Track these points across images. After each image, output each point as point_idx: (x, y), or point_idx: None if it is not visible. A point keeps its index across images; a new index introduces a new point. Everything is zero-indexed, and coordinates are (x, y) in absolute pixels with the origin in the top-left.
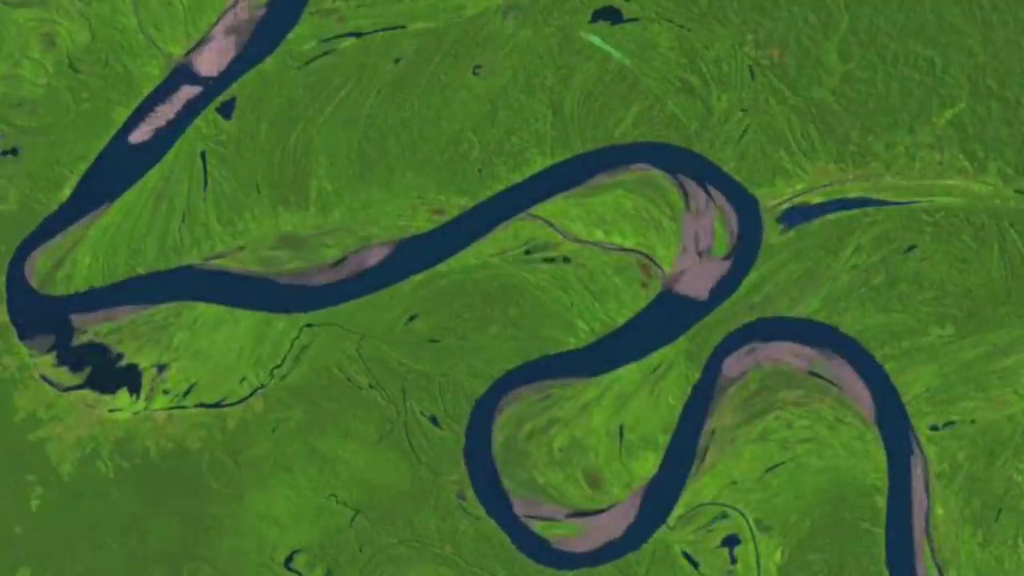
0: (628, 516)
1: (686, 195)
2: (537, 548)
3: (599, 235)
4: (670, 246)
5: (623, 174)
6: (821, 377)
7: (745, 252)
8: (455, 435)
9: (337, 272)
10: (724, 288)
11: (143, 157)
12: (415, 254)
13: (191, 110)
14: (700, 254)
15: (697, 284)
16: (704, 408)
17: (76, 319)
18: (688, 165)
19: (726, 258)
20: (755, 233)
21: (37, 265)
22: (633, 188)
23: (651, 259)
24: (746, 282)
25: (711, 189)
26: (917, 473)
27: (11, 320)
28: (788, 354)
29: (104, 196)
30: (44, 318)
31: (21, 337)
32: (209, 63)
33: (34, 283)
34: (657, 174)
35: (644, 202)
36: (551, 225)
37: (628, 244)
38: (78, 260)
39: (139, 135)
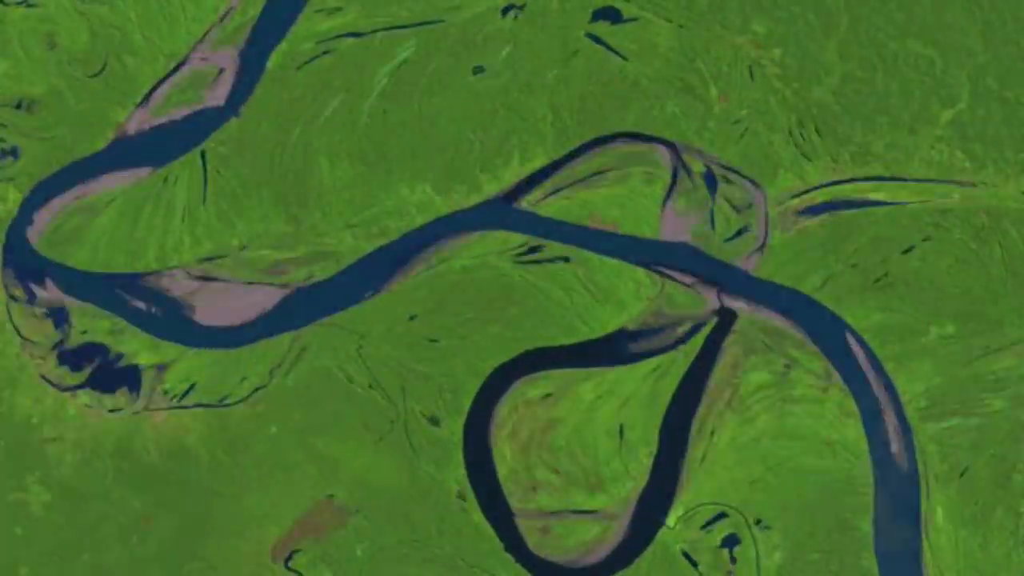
0: (628, 516)
1: (688, 192)
2: (534, 549)
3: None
4: (669, 244)
5: (624, 172)
6: (820, 377)
7: (749, 247)
8: (455, 435)
9: (335, 274)
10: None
11: (144, 157)
12: (414, 255)
13: (192, 109)
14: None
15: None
16: (703, 408)
17: (76, 319)
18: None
19: (727, 251)
20: (759, 228)
21: (35, 265)
22: (635, 188)
23: (645, 255)
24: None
25: (712, 180)
26: (916, 473)
27: (10, 320)
28: (787, 352)
29: (104, 196)
30: (43, 316)
31: (20, 336)
32: (209, 63)
33: (33, 282)
34: (659, 172)
35: (645, 201)
36: (542, 224)
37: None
38: (77, 260)
39: (139, 134)
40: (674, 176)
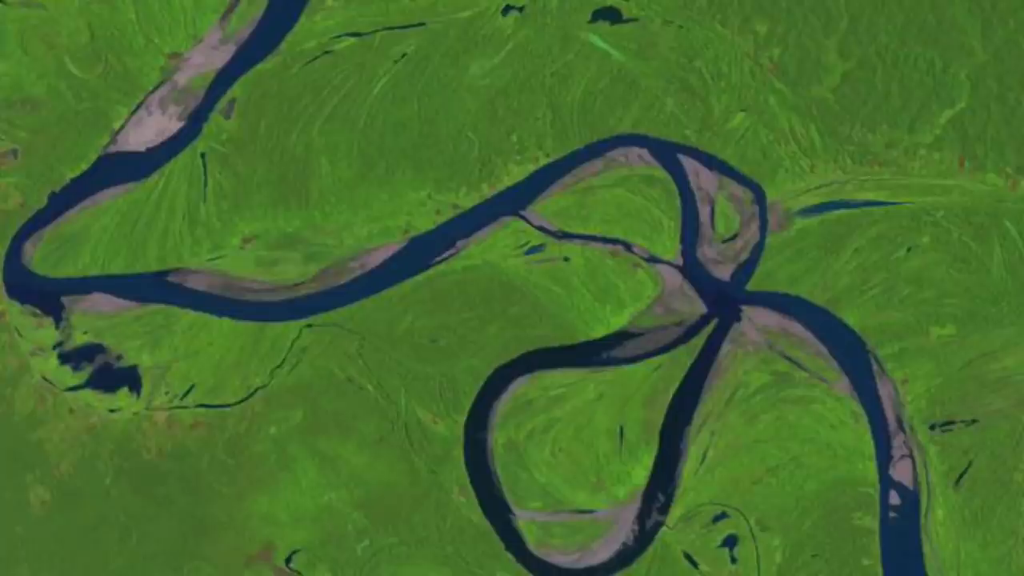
0: (628, 516)
1: (686, 191)
2: (534, 549)
3: (595, 232)
4: (669, 244)
5: (624, 173)
6: (820, 377)
7: (748, 247)
8: (455, 435)
9: (336, 275)
10: (726, 287)
11: (143, 157)
12: (415, 254)
13: (191, 110)
14: (702, 248)
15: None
16: (703, 408)
17: (76, 319)
18: (689, 161)
19: (727, 250)
20: (759, 228)
21: (35, 266)
22: (634, 188)
23: (645, 255)
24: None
25: (711, 182)
26: (917, 473)
27: (10, 320)
28: (788, 353)
29: (103, 196)
30: (43, 316)
31: (21, 336)
32: (209, 63)
33: (33, 282)
34: (658, 172)
35: (645, 201)
36: (542, 224)
37: (627, 239)
38: (78, 260)
39: (139, 135)
40: (675, 178)
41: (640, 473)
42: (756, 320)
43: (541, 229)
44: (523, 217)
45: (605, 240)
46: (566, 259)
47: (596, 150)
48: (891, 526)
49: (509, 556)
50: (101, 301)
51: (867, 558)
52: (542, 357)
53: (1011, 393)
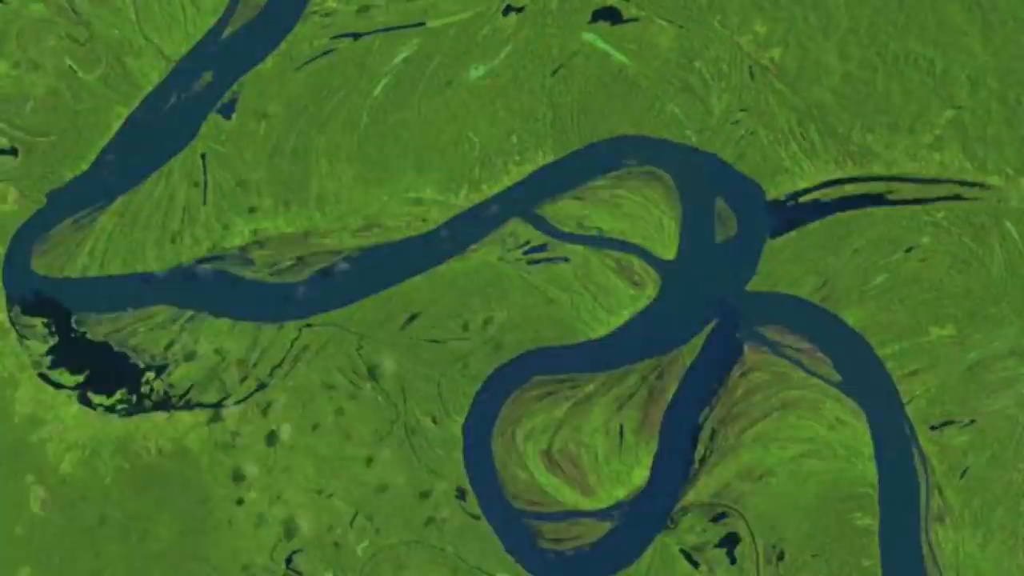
0: (628, 516)
1: (686, 191)
2: (534, 549)
3: (595, 232)
4: (669, 244)
5: (623, 173)
6: (820, 377)
7: (748, 247)
8: (454, 435)
9: (335, 276)
10: (725, 286)
11: (143, 157)
12: (415, 254)
13: (191, 110)
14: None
15: (698, 283)
16: (703, 408)
17: (76, 319)
18: (689, 161)
19: (727, 251)
20: (759, 228)
21: (35, 266)
22: (634, 188)
23: (645, 255)
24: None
25: (711, 182)
26: (916, 473)
27: (10, 320)
28: (787, 353)
29: (103, 196)
30: (43, 317)
31: (20, 336)
32: (209, 63)
33: (32, 283)
34: (658, 172)
35: (645, 201)
36: (542, 224)
37: (626, 239)
38: (78, 260)
39: (139, 134)
40: (675, 178)
41: (640, 473)
42: (756, 320)
43: (541, 229)
44: (523, 217)
45: (605, 240)
46: (566, 259)
47: (596, 150)
48: (891, 526)
49: (509, 556)
50: (101, 301)
51: (867, 558)
52: (542, 357)
53: (1011, 393)
